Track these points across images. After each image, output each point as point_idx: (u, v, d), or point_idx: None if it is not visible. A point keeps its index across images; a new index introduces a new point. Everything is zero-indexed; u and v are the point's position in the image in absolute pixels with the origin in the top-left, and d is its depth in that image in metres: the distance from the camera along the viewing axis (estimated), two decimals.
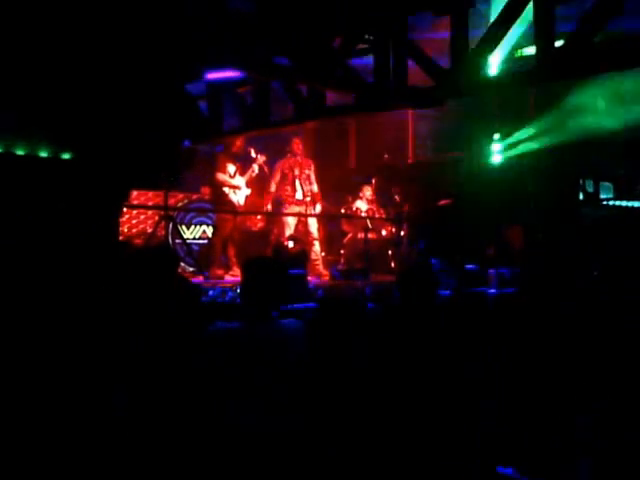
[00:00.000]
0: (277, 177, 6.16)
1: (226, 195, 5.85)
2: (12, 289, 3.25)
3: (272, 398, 2.14)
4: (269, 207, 6.13)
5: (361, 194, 7.03)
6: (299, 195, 6.18)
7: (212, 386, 2.17)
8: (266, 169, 6.19)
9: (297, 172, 6.17)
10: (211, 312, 3.75)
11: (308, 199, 6.21)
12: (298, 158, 6.22)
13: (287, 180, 6.15)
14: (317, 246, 6.23)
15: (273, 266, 2.36)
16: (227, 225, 5.87)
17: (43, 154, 3.71)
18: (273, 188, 6.13)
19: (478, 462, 2.41)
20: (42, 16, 3.40)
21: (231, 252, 5.90)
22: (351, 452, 2.27)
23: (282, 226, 6.17)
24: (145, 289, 2.75)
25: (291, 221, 6.17)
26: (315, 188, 6.32)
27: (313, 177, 6.32)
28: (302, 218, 6.20)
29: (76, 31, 3.49)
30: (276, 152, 6.52)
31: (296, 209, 6.18)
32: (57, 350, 2.79)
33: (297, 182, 6.15)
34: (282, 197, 6.14)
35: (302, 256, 5.66)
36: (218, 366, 2.18)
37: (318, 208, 6.36)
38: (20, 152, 3.67)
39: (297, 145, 6.19)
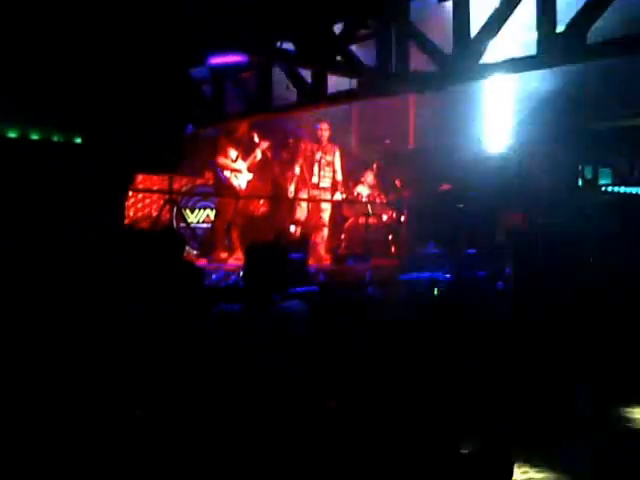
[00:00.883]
0: (300, 160, 6.17)
1: (227, 179, 5.88)
2: (15, 279, 3.31)
3: (274, 380, 2.20)
4: (291, 189, 6.14)
5: (362, 179, 7.07)
6: (315, 179, 6.20)
7: (215, 367, 2.23)
8: (269, 154, 6.21)
9: (318, 157, 6.18)
10: (214, 295, 3.82)
11: (324, 185, 6.22)
12: (322, 143, 6.21)
13: (307, 164, 6.17)
14: (325, 231, 6.30)
15: (275, 250, 2.41)
16: (229, 209, 5.91)
17: (54, 139, 3.76)
18: (297, 171, 6.16)
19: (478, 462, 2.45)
20: (57, 8, 3.42)
21: (234, 235, 5.96)
22: (353, 438, 2.32)
23: (294, 208, 6.20)
24: (152, 270, 2.81)
25: (304, 204, 6.21)
26: (339, 176, 6.31)
27: (338, 164, 6.31)
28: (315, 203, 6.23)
29: (83, 18, 3.51)
30: (279, 138, 6.54)
31: (313, 193, 6.20)
32: (61, 340, 2.84)
33: (316, 166, 6.17)
34: (296, 178, 6.15)
35: (303, 241, 5.73)
36: (221, 348, 2.24)
37: (337, 195, 6.38)
38: (34, 137, 3.72)
39: (322, 130, 6.17)
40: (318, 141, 6.21)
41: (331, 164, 6.26)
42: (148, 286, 2.75)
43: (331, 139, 6.31)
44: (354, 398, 2.42)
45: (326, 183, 6.25)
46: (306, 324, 2.35)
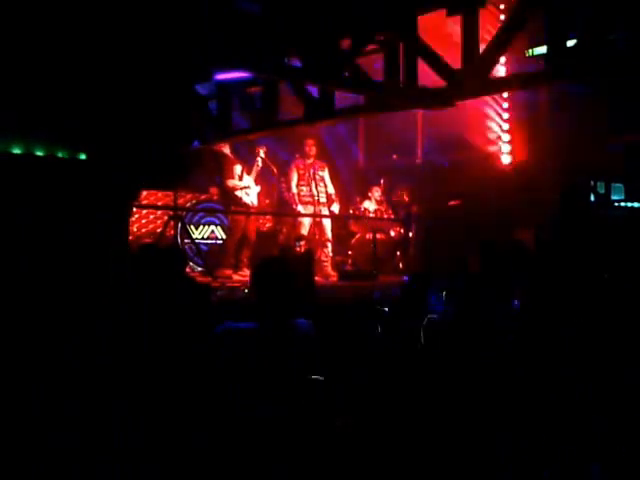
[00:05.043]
0: (294, 177, 6.19)
1: (240, 198, 5.88)
2: (15, 295, 3.27)
3: (282, 398, 2.14)
4: (297, 208, 6.16)
5: (370, 194, 7.02)
6: (315, 193, 6.20)
7: (220, 385, 2.17)
8: (268, 162, 6.19)
9: (311, 173, 6.21)
10: (219, 312, 3.74)
11: (322, 200, 6.24)
12: (311, 159, 6.25)
13: (302, 181, 6.19)
14: (329, 247, 6.25)
15: (288, 268, 2.36)
16: (239, 226, 5.89)
17: (59, 155, 3.75)
18: (295, 189, 6.16)
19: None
20: (58, 19, 3.43)
21: (244, 252, 5.91)
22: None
23: (297, 225, 6.19)
24: (152, 287, 2.76)
25: (306, 221, 6.20)
26: (331, 189, 6.35)
27: (328, 179, 6.35)
28: (316, 218, 6.21)
29: (87, 32, 3.51)
30: (289, 152, 6.55)
31: (310, 209, 6.21)
32: (58, 349, 2.79)
33: (313, 183, 6.19)
34: (297, 197, 6.18)
35: (308, 257, 5.67)
36: (227, 365, 2.18)
37: (336, 208, 6.38)
38: (39, 153, 3.72)
39: (310, 147, 6.21)
40: (307, 157, 6.24)
41: (322, 179, 6.30)
42: (148, 303, 2.70)
43: (318, 155, 6.35)
44: (365, 415, 2.35)
45: (323, 198, 6.28)
46: (315, 341, 2.30)
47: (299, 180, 6.19)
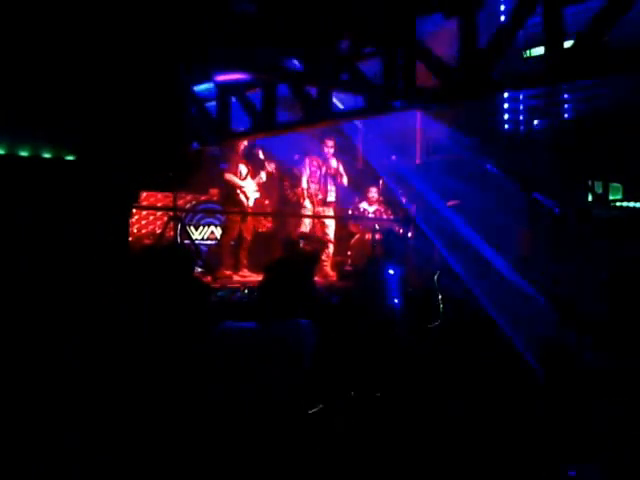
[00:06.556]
0: (307, 174, 6.23)
1: (236, 195, 5.89)
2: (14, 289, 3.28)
3: (279, 397, 2.15)
4: (305, 203, 6.18)
5: (369, 195, 7.04)
6: (320, 195, 6.24)
7: (220, 384, 2.18)
8: (275, 173, 6.21)
9: (323, 172, 6.23)
10: (220, 311, 3.76)
11: (329, 200, 6.27)
12: (327, 159, 6.28)
13: (313, 178, 6.22)
14: (331, 248, 6.28)
15: (299, 269, 2.37)
16: (235, 226, 5.90)
17: (47, 155, 3.73)
18: (305, 184, 6.20)
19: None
20: (49, 18, 3.43)
21: (243, 252, 5.93)
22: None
23: (299, 224, 6.21)
24: (153, 287, 2.77)
25: (307, 220, 6.21)
26: (332, 196, 6.32)
27: (344, 179, 6.35)
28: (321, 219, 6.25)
29: (78, 27, 3.50)
30: (285, 153, 6.56)
31: (318, 209, 6.23)
32: (58, 349, 2.79)
33: (322, 182, 6.22)
34: (306, 192, 6.21)
35: (314, 256, 5.69)
36: (227, 364, 2.19)
37: (331, 196, 6.39)
38: (24, 153, 3.70)
39: (328, 147, 6.25)
40: (323, 157, 6.23)
41: (333, 180, 6.31)
42: (149, 302, 2.71)
43: (336, 155, 6.35)
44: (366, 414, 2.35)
45: (331, 197, 6.27)
46: (314, 340, 2.30)
47: (310, 176, 6.22)
